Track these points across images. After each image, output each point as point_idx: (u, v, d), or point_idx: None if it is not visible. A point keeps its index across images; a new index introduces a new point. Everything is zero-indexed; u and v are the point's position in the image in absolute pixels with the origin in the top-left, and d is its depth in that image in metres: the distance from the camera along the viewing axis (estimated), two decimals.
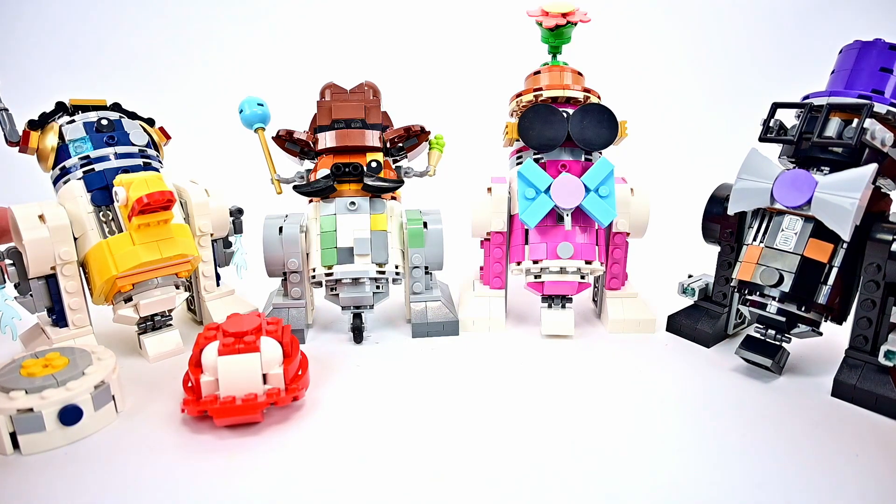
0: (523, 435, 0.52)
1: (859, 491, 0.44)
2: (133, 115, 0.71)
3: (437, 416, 0.55)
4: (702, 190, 0.71)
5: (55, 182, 0.66)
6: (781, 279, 0.58)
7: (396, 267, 0.70)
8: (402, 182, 0.73)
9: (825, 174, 0.57)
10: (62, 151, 0.65)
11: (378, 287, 0.69)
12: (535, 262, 0.70)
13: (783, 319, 0.59)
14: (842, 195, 0.54)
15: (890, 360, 0.55)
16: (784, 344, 0.61)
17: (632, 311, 0.74)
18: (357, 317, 0.70)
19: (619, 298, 0.76)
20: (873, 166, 0.54)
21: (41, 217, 0.61)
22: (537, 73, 0.75)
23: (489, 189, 0.75)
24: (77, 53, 1.65)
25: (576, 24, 0.74)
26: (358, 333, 0.71)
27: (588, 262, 0.70)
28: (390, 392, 0.60)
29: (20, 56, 1.63)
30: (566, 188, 0.68)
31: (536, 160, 0.71)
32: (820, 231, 0.57)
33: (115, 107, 0.70)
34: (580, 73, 0.74)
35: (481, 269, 0.79)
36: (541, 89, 0.72)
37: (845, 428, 0.53)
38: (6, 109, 0.65)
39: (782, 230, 0.59)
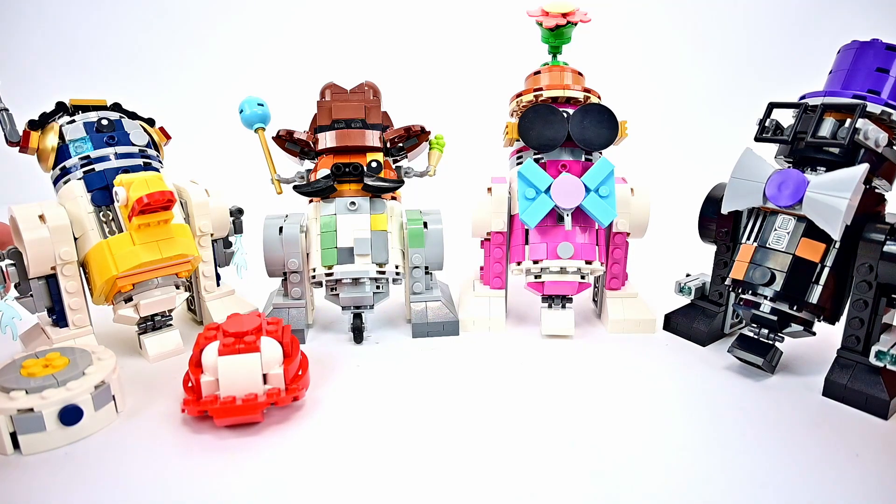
0: (523, 435, 0.52)
1: (860, 491, 0.45)
2: (133, 115, 0.71)
3: (438, 417, 0.55)
4: (701, 190, 0.72)
5: (55, 182, 0.66)
6: (773, 278, 0.58)
7: (396, 267, 0.70)
8: (403, 182, 0.73)
9: (819, 174, 0.57)
10: (62, 151, 0.65)
11: (378, 287, 0.69)
12: (536, 262, 0.70)
13: (775, 318, 0.59)
14: (832, 195, 0.54)
15: (881, 360, 0.55)
16: (777, 343, 0.61)
17: (632, 311, 0.74)
18: (357, 317, 0.70)
19: (620, 298, 0.76)
20: (864, 166, 0.54)
21: (41, 217, 0.61)
22: (537, 73, 0.75)
23: (489, 189, 0.75)
24: (77, 53, 1.65)
25: (576, 24, 0.74)
26: (358, 333, 0.71)
27: (588, 262, 0.70)
28: (390, 392, 0.60)
29: (20, 56, 1.63)
30: (566, 188, 0.68)
31: (536, 160, 0.71)
32: (812, 231, 0.57)
33: (116, 107, 0.70)
34: (580, 73, 0.74)
35: (481, 269, 0.79)
36: (541, 89, 0.72)
37: (841, 427, 0.53)
38: (6, 109, 0.65)
39: (775, 229, 0.59)
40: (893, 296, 0.56)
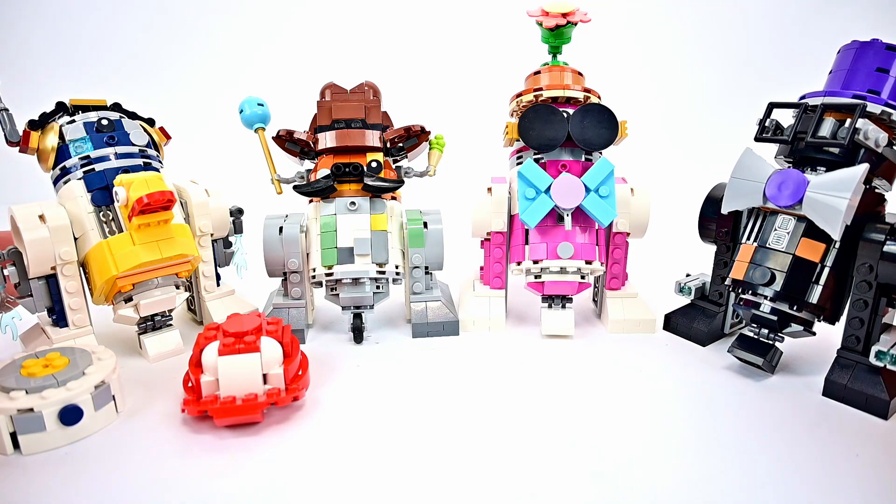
0: (523, 435, 0.52)
1: (860, 491, 0.44)
2: (133, 115, 0.71)
3: (438, 417, 0.55)
4: (701, 190, 0.72)
5: (55, 182, 0.66)
6: (773, 278, 0.58)
7: (396, 267, 0.70)
8: (403, 182, 0.73)
9: (819, 174, 0.57)
10: (62, 151, 0.65)
11: (378, 287, 0.69)
12: (536, 262, 0.70)
13: (775, 318, 0.59)
14: (833, 195, 0.54)
15: (881, 360, 0.55)
16: (777, 343, 0.61)
17: (632, 311, 0.74)
18: (357, 317, 0.70)
19: (620, 298, 0.76)
20: (864, 166, 0.54)
21: (41, 217, 0.61)
22: (537, 73, 0.75)
23: (489, 189, 0.75)
24: (77, 53, 1.65)
25: (576, 24, 0.74)
26: (358, 333, 0.71)
27: (588, 262, 0.70)
28: (390, 392, 0.60)
29: (20, 56, 1.63)
30: (566, 188, 0.68)
31: (536, 160, 0.71)
32: (812, 231, 0.57)
33: (116, 107, 0.70)
34: (580, 73, 0.74)
35: (481, 269, 0.79)
36: (541, 89, 0.72)
37: (841, 427, 0.53)
38: (6, 109, 0.65)
39: (775, 229, 0.59)
40: (894, 296, 0.56)
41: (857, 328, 0.57)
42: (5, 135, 0.64)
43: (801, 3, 1.65)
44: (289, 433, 0.52)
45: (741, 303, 0.62)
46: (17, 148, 0.65)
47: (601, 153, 0.73)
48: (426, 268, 0.74)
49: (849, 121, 0.55)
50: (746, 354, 0.61)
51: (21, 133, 0.65)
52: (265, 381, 0.53)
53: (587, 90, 0.72)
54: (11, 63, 1.60)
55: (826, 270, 0.57)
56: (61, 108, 0.67)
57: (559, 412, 0.56)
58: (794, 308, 0.58)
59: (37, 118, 0.66)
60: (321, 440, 0.51)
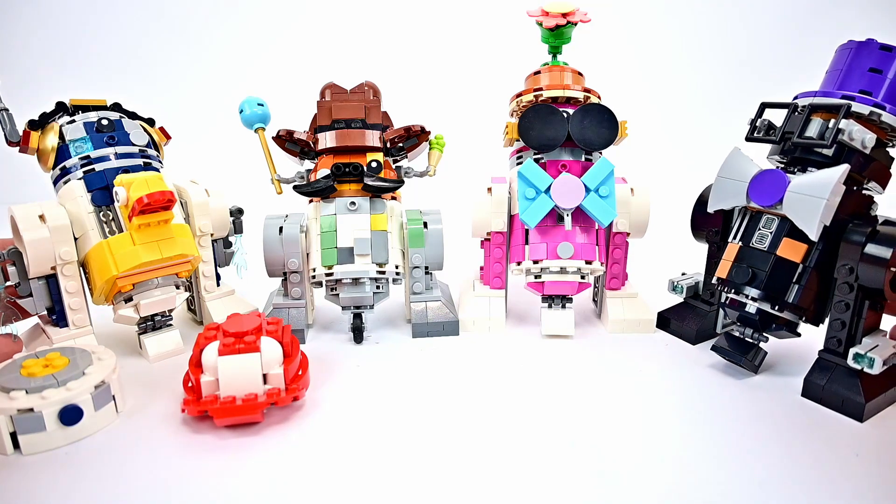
0: (523, 435, 0.52)
1: (859, 491, 0.45)
2: (133, 115, 0.71)
3: (438, 417, 0.55)
4: (701, 190, 0.72)
5: (55, 182, 0.66)
6: (755, 277, 0.58)
7: (396, 267, 0.70)
8: (403, 182, 0.73)
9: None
10: (62, 151, 0.65)
11: (378, 287, 0.69)
12: (536, 262, 0.70)
13: (757, 318, 0.59)
14: (811, 195, 0.54)
15: (858, 363, 0.54)
16: (761, 343, 0.61)
17: (632, 311, 0.74)
18: (357, 317, 0.70)
19: (619, 298, 0.76)
20: (844, 167, 0.54)
21: (41, 217, 0.61)
22: (537, 73, 0.75)
23: (489, 189, 0.75)
24: (77, 53, 1.65)
25: (576, 24, 0.74)
26: (358, 333, 0.71)
27: (588, 262, 0.70)
28: (390, 392, 0.60)
29: (20, 56, 1.63)
30: (566, 188, 0.68)
31: (536, 160, 0.71)
32: (795, 231, 0.57)
33: (116, 107, 0.70)
34: (580, 73, 0.74)
35: (481, 269, 0.80)
36: (541, 89, 0.72)
37: (841, 427, 0.53)
38: (6, 109, 0.65)
39: (759, 229, 0.59)
40: (879, 300, 0.55)
41: (838, 330, 0.57)
42: (5, 135, 0.64)
43: (800, 3, 1.65)
44: (289, 433, 0.52)
45: (728, 302, 0.62)
46: (17, 148, 0.65)
47: (601, 153, 0.73)
48: (426, 268, 0.74)
49: (833, 121, 0.55)
50: (728, 352, 0.61)
51: (21, 133, 0.65)
52: (265, 381, 0.53)
53: (587, 90, 0.72)
54: (11, 63, 1.60)
55: (808, 271, 0.57)
56: (61, 108, 0.67)
57: (559, 412, 0.56)
58: (776, 308, 0.58)
59: (37, 118, 0.66)
60: (321, 440, 0.51)
